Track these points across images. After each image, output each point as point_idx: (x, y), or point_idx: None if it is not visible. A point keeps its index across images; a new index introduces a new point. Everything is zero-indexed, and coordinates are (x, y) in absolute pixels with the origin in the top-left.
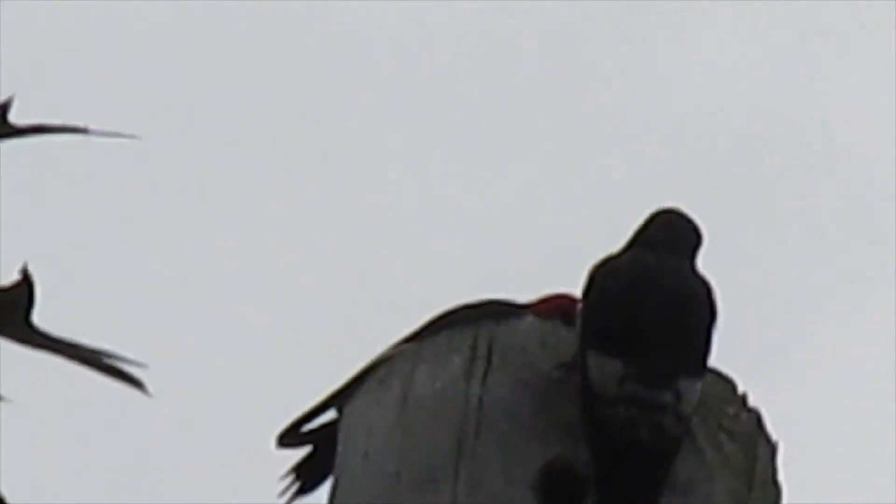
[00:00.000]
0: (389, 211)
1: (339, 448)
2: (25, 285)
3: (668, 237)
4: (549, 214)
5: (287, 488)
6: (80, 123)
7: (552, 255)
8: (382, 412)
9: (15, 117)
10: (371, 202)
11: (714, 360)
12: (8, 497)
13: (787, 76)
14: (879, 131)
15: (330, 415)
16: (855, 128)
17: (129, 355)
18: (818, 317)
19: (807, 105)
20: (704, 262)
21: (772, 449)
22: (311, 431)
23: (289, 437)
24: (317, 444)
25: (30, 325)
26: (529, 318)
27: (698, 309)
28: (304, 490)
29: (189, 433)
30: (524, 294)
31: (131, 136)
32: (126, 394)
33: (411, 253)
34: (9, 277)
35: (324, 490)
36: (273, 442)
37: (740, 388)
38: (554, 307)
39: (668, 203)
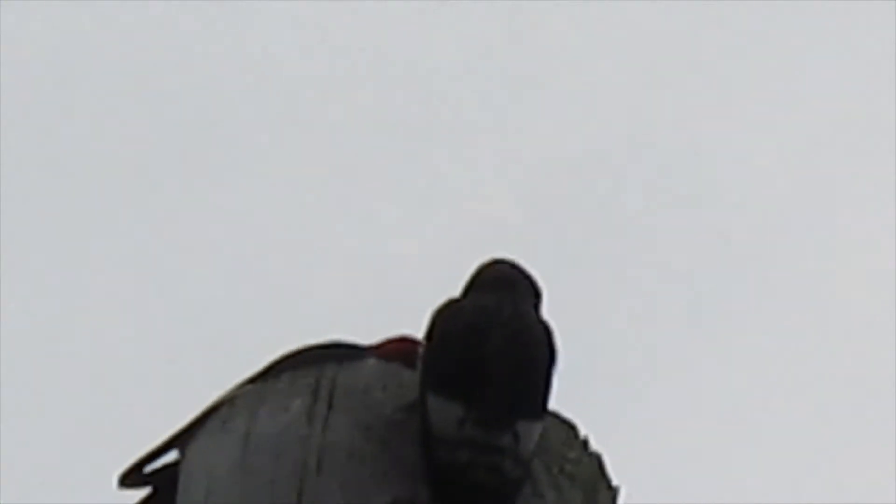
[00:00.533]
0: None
1: (181, 489)
2: None
3: (505, 282)
4: (401, 255)
5: None
6: None
7: (402, 297)
8: (224, 453)
9: None
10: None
11: (556, 405)
12: None
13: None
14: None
15: (172, 456)
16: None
17: None
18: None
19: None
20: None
21: (613, 494)
22: (153, 472)
23: (131, 478)
24: (157, 486)
25: None
26: (371, 361)
27: (538, 351)
28: None
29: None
30: (372, 336)
31: None
32: None
33: (262, 286)
34: None
35: None
36: (115, 482)
37: (582, 433)
38: (395, 350)
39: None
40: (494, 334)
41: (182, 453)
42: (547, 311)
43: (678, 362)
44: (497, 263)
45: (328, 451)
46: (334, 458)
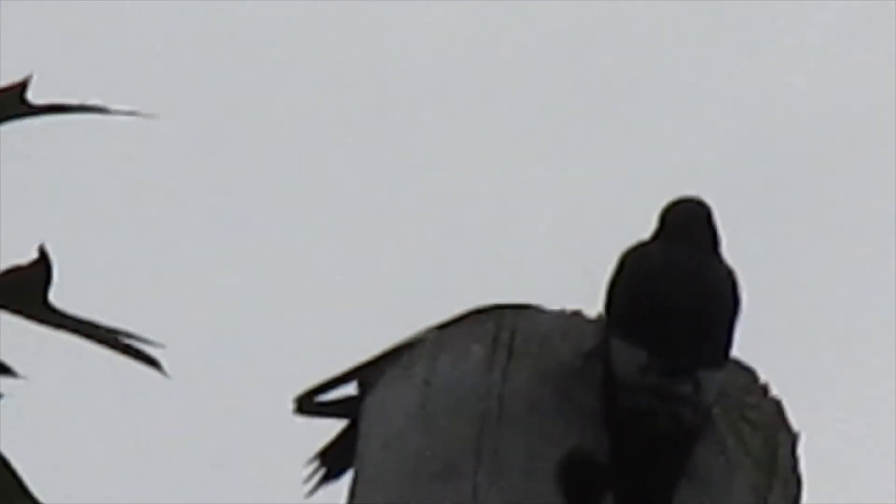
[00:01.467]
0: (425, 204)
1: (360, 436)
2: (43, 265)
3: (694, 227)
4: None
5: (312, 474)
6: (98, 102)
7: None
8: (403, 401)
9: (33, 96)
10: (404, 192)
11: (739, 351)
12: (24, 478)
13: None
14: None
15: (351, 389)
16: None
17: (146, 335)
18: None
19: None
20: (746, 256)
21: (793, 439)
22: (332, 402)
23: (307, 404)
24: (342, 430)
25: (47, 305)
26: (550, 309)
27: (722, 300)
28: (329, 476)
29: (206, 414)
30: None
31: (149, 116)
32: (143, 374)
33: (443, 248)
34: (27, 257)
35: (348, 477)
36: (291, 406)
37: (762, 378)
38: None
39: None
40: (680, 283)
41: (362, 386)
42: (741, 258)
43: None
44: (685, 203)
45: (508, 400)
46: (514, 406)
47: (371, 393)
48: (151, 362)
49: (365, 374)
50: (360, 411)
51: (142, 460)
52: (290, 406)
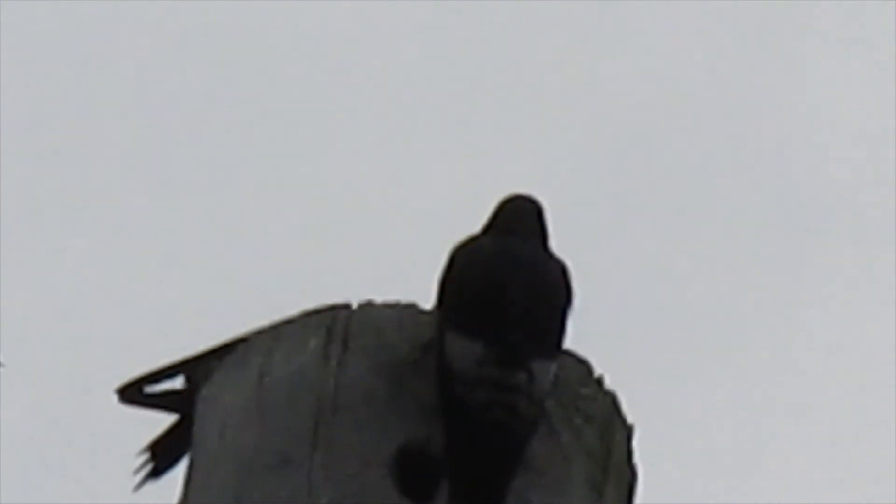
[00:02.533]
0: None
1: (196, 428)
2: None
3: (523, 221)
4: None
5: (141, 467)
6: None
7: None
8: (239, 392)
9: None
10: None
11: (575, 344)
12: None
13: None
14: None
15: (177, 383)
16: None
17: None
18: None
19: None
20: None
21: (628, 431)
22: (158, 395)
23: (130, 394)
24: (174, 421)
25: None
26: (384, 303)
27: (555, 291)
28: (158, 470)
29: (34, 400)
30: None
31: None
32: None
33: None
34: None
35: (179, 470)
36: (114, 395)
37: (596, 371)
38: None
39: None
40: (513, 275)
41: (190, 381)
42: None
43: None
44: (516, 200)
45: (343, 392)
46: (349, 398)
47: (207, 384)
48: None
49: (192, 367)
50: (195, 402)
51: None
52: (114, 394)
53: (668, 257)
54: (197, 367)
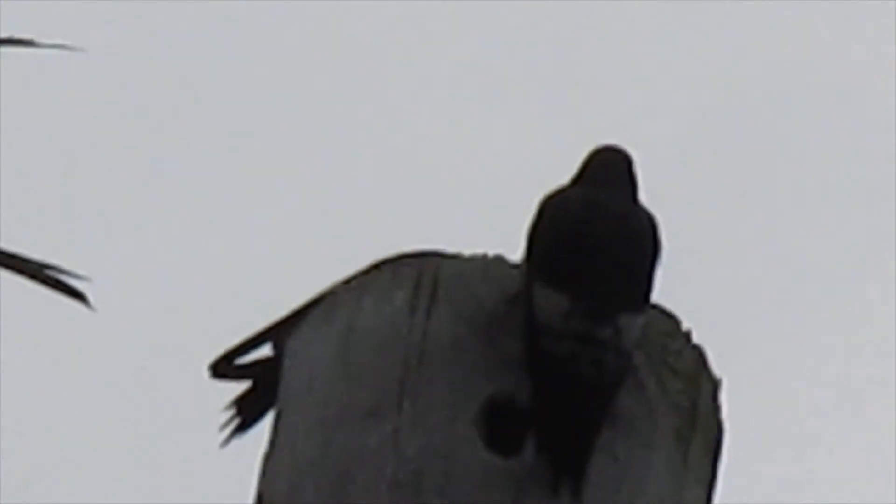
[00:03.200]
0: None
1: (282, 380)
2: None
3: (613, 173)
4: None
5: (227, 422)
6: (26, 36)
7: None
8: (326, 344)
9: None
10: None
11: (663, 297)
12: None
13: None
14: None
15: (266, 350)
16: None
17: (73, 269)
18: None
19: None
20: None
21: (714, 386)
22: (247, 365)
23: (222, 368)
24: (255, 380)
25: None
26: (472, 255)
27: (644, 244)
28: (244, 425)
29: (131, 350)
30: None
31: (78, 49)
32: (69, 307)
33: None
34: None
35: (265, 424)
36: (206, 372)
37: (684, 325)
38: None
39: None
40: (601, 228)
41: (278, 347)
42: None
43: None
44: (606, 151)
45: (430, 344)
46: (436, 350)
47: (293, 337)
48: (77, 295)
49: (279, 333)
50: (283, 355)
51: (64, 394)
52: (205, 371)
53: (762, 212)
54: (284, 331)
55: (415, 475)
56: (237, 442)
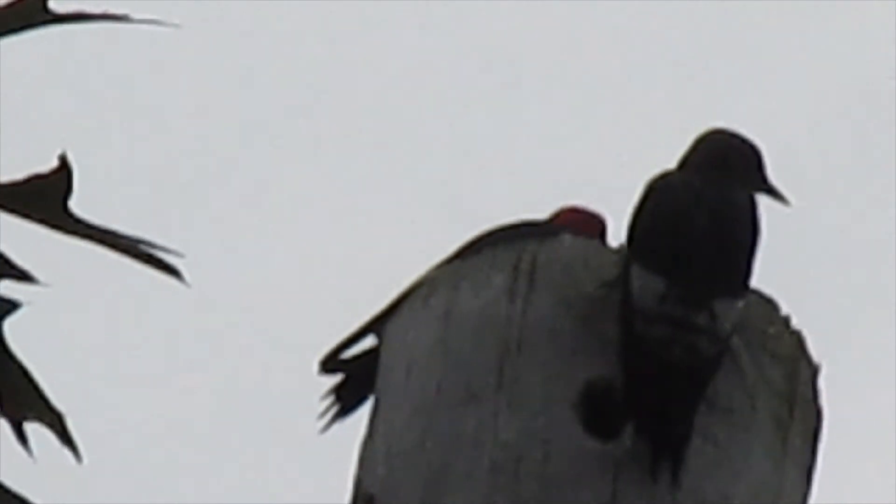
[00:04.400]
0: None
1: (381, 365)
2: (64, 172)
3: (718, 159)
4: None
5: (327, 410)
6: (119, 11)
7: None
8: (425, 329)
9: (55, 4)
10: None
11: (763, 282)
12: (42, 386)
13: None
14: None
15: (369, 341)
16: None
17: (166, 244)
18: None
19: None
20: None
21: (813, 371)
22: (352, 359)
23: (331, 363)
24: (355, 371)
25: (68, 213)
26: (569, 237)
27: (742, 229)
28: (343, 411)
29: (224, 324)
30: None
31: (172, 25)
32: (163, 282)
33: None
34: (48, 164)
35: (363, 412)
36: (316, 368)
37: (783, 310)
38: (571, 220)
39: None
40: (699, 212)
41: (380, 336)
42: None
43: None
44: (716, 135)
45: (529, 329)
46: (535, 335)
47: (391, 322)
48: (171, 271)
49: (383, 322)
50: (381, 340)
51: (159, 368)
52: (315, 369)
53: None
54: (387, 321)
55: (514, 460)
56: (336, 430)
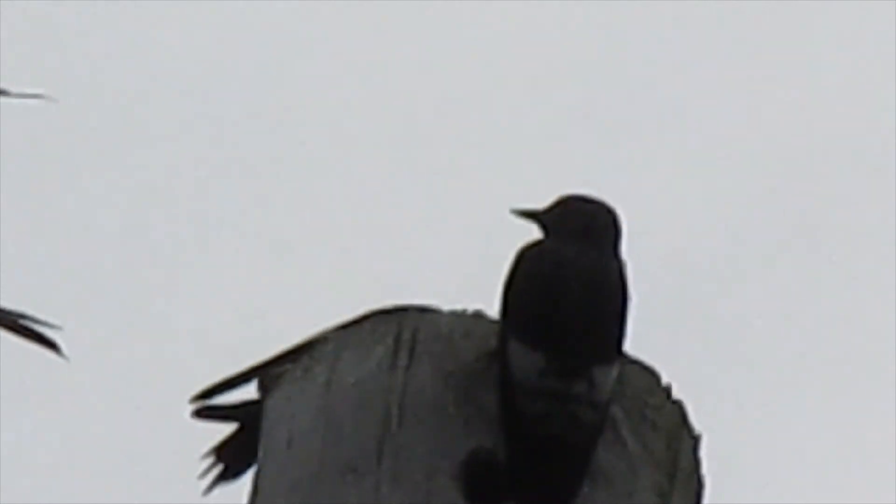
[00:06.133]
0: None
1: (263, 435)
2: None
3: (584, 227)
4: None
5: (208, 470)
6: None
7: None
8: (306, 400)
9: None
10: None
11: (641, 352)
12: None
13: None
14: None
15: (249, 393)
16: None
17: (44, 317)
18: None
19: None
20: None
21: (695, 441)
22: (229, 407)
23: (203, 407)
24: (240, 425)
25: None
26: (449, 311)
27: (612, 296)
28: (226, 475)
29: (105, 397)
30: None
31: (51, 100)
32: (41, 356)
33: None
34: None
35: (247, 477)
36: (188, 408)
37: (664, 380)
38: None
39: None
40: (570, 284)
41: (261, 390)
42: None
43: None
44: (579, 202)
45: (410, 400)
46: (416, 406)
47: (273, 392)
48: (49, 344)
49: (263, 374)
50: (263, 410)
51: (40, 442)
52: (188, 410)
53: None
54: (266, 373)
55: None
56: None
